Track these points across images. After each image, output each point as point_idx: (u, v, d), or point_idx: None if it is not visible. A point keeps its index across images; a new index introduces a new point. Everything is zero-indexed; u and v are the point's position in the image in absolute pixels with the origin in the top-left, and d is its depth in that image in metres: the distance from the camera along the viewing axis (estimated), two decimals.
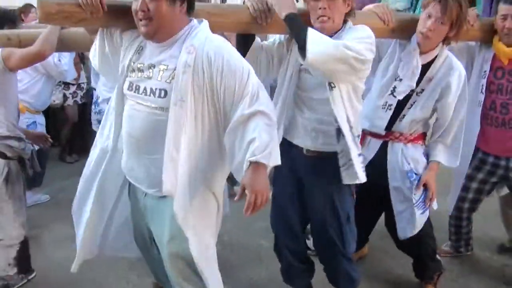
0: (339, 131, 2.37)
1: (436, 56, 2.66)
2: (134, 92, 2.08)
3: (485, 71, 3.00)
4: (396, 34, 2.73)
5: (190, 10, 2.07)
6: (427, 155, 2.84)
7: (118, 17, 2.19)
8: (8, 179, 2.91)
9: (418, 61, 2.62)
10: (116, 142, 2.22)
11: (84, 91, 5.51)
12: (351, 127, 2.37)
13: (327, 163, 2.46)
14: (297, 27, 2.28)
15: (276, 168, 2.40)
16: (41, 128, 4.33)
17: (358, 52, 2.22)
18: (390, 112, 2.75)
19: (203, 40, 2.00)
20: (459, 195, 3.26)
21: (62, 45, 2.83)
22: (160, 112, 1.99)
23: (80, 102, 5.53)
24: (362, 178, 2.45)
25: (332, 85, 2.32)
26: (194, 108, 1.98)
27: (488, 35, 3.00)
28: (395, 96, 2.72)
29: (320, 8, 2.32)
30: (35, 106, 4.36)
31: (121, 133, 2.19)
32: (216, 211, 2.22)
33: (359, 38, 2.28)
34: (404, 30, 2.71)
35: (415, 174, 2.76)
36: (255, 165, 1.88)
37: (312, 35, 2.19)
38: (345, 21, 2.42)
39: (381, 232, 3.36)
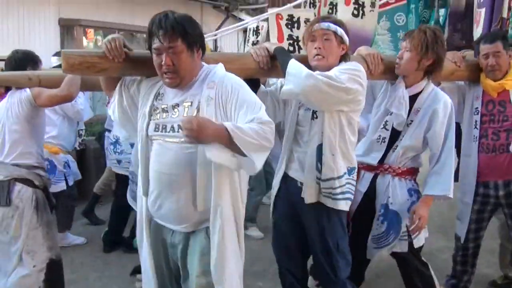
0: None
1: (422, 89, 2.90)
2: (162, 131, 2.24)
3: (476, 108, 3.24)
4: (386, 76, 2.99)
5: (203, 54, 2.31)
6: (414, 191, 2.99)
7: (135, 67, 2.43)
8: (37, 207, 3.10)
9: (404, 92, 2.87)
10: (146, 186, 2.36)
11: (82, 137, 5.64)
12: (334, 157, 2.61)
13: None
14: (283, 58, 2.58)
15: (276, 197, 2.73)
16: (73, 166, 4.75)
17: (331, 78, 2.44)
18: (384, 145, 2.95)
19: (222, 77, 2.23)
20: (463, 231, 3.36)
21: (84, 86, 3.07)
22: (190, 145, 2.11)
23: (78, 149, 5.64)
24: (344, 207, 2.67)
25: (315, 115, 2.60)
26: None
27: (475, 74, 3.27)
28: (387, 130, 2.94)
29: (315, 48, 2.61)
30: (66, 147, 4.69)
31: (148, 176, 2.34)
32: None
33: (343, 69, 2.53)
34: (393, 72, 2.96)
35: (385, 209, 2.93)
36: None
37: (292, 64, 2.47)
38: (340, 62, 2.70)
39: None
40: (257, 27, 4.61)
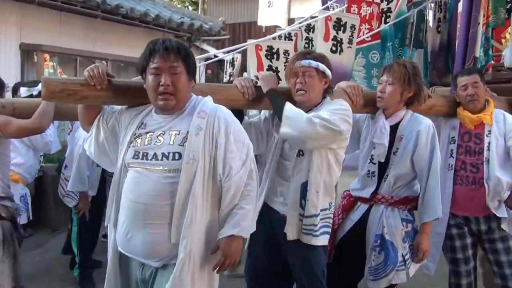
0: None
1: (402, 117, 3.01)
2: (142, 159, 2.19)
3: (453, 137, 3.36)
4: (367, 110, 3.09)
5: (194, 82, 2.34)
6: (407, 221, 3.02)
7: (117, 95, 2.41)
8: (4, 240, 2.94)
9: (384, 122, 2.98)
10: (116, 216, 2.30)
11: (41, 164, 5.42)
12: (318, 194, 2.69)
13: None
14: (276, 100, 2.66)
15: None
16: (29, 200, 4.63)
17: (329, 121, 2.53)
18: (375, 179, 3.03)
19: (214, 108, 2.25)
20: (452, 270, 3.39)
21: (60, 115, 2.93)
22: (173, 174, 2.12)
23: (36, 175, 5.35)
24: (324, 241, 2.76)
25: (301, 153, 2.68)
26: (204, 167, 2.14)
27: (453, 109, 3.41)
28: (374, 163, 3.02)
29: (298, 83, 2.70)
30: (27, 178, 4.55)
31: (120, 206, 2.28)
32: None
33: (334, 110, 2.61)
34: (373, 105, 3.07)
35: (380, 239, 2.97)
36: (235, 237, 2.17)
37: (288, 108, 2.56)
38: (324, 97, 2.78)
39: None
40: (233, 58, 4.64)
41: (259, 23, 11.04)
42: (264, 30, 13.65)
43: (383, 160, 2.98)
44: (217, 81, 10.81)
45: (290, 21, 13.51)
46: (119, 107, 2.48)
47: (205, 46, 11.13)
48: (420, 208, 2.97)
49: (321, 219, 2.70)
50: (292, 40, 4.33)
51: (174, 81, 2.15)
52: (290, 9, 12.78)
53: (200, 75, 11.33)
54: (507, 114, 3.34)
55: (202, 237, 2.18)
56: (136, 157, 2.21)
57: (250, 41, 3.69)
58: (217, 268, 2.18)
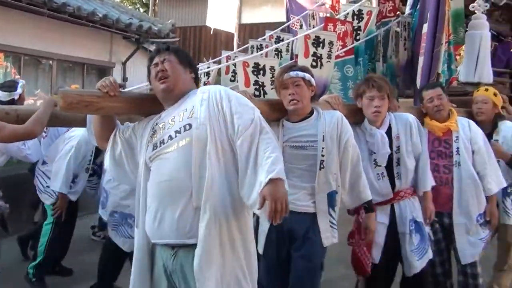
0: None
1: (389, 121, 3.49)
2: (160, 146, 2.45)
3: None
4: (348, 117, 3.44)
5: (197, 80, 2.70)
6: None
7: (131, 106, 2.68)
8: None
9: (382, 134, 3.42)
10: (142, 217, 2.52)
11: None
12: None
13: None
14: None
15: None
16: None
17: None
18: (386, 179, 3.46)
19: (213, 86, 2.63)
20: (428, 261, 3.73)
21: (57, 121, 3.12)
22: (187, 144, 2.36)
23: None
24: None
25: (322, 166, 3.01)
26: (213, 132, 2.35)
27: (420, 119, 3.84)
28: (380, 165, 3.46)
29: (290, 94, 3.06)
30: None
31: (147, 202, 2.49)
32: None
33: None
34: (354, 115, 3.51)
35: (414, 222, 3.48)
36: (275, 180, 2.19)
37: None
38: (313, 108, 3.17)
39: None
40: (208, 67, 4.91)
41: (208, 27, 11.23)
42: (212, 33, 14.11)
43: (385, 164, 3.44)
44: None
45: (241, 27, 13.98)
46: (132, 124, 2.74)
47: (154, 48, 11.26)
48: (419, 180, 3.53)
49: None
50: (263, 49, 4.74)
51: (168, 67, 2.54)
52: (241, 14, 13.14)
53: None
54: (471, 122, 3.89)
55: (225, 198, 2.34)
56: (155, 147, 2.48)
57: (225, 53, 4.08)
58: (275, 217, 2.16)
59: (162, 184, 2.39)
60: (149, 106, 2.67)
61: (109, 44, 10.47)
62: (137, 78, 10.82)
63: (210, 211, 2.27)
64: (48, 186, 4.50)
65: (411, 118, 3.53)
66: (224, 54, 4.47)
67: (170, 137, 2.43)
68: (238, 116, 2.38)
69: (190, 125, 2.40)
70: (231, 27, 11.88)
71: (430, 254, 3.54)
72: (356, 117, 3.52)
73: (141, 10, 15.76)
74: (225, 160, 2.37)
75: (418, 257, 3.48)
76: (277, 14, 12.27)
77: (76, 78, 9.83)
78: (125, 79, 10.76)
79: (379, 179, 3.47)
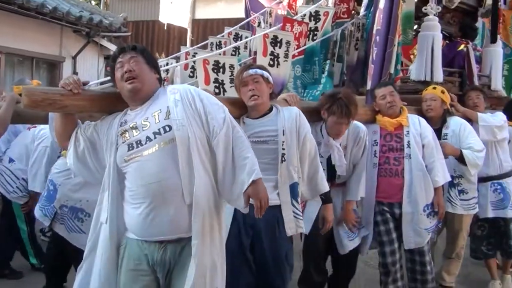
0: None
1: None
2: (137, 147, 2.47)
3: (375, 140, 4.05)
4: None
5: (160, 80, 2.72)
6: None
7: (94, 104, 2.71)
8: None
9: (338, 147, 3.69)
10: (112, 214, 2.58)
11: None
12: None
13: None
14: None
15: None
16: None
17: None
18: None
19: (182, 85, 2.70)
20: (379, 251, 4.08)
21: (19, 119, 3.15)
22: (170, 144, 2.43)
23: None
24: None
25: (283, 159, 3.14)
26: (193, 131, 2.45)
27: (372, 116, 4.12)
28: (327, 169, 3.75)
29: (250, 90, 3.20)
30: None
31: (123, 202, 2.55)
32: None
33: None
34: (310, 114, 3.62)
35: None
36: (256, 180, 2.45)
37: None
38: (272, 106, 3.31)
39: None
40: (167, 63, 4.97)
41: (161, 21, 11.22)
42: (166, 28, 14.07)
43: (344, 173, 3.80)
44: None
45: (195, 22, 14.01)
46: (94, 122, 2.76)
47: (105, 43, 11.18)
48: (349, 190, 3.86)
49: None
50: (222, 47, 4.87)
51: (135, 67, 2.54)
52: (195, 10, 13.16)
53: (100, 72, 11.38)
54: (421, 118, 4.15)
55: (209, 193, 2.50)
56: (131, 148, 2.49)
57: (184, 48, 4.16)
58: (260, 213, 2.46)
59: (152, 186, 2.43)
60: (112, 104, 2.71)
61: (59, 37, 10.33)
62: (88, 73, 10.73)
63: (200, 206, 2.43)
64: (17, 187, 4.47)
65: (363, 133, 3.80)
66: (183, 50, 4.55)
67: (149, 139, 2.46)
68: (211, 117, 2.51)
69: (169, 127, 2.45)
70: (184, 22, 11.89)
71: (358, 241, 3.95)
72: (312, 116, 3.67)
73: (93, 3, 15.50)
74: (206, 157, 2.50)
75: (349, 238, 3.88)
76: (231, 10, 12.41)
77: (25, 73, 9.67)
78: (75, 73, 10.63)
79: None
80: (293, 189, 3.18)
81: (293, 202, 3.19)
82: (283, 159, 3.14)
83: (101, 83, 2.79)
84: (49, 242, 4.35)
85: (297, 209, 3.20)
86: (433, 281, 4.12)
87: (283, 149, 3.15)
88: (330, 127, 3.65)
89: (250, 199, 2.47)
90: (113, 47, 11.55)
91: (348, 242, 3.92)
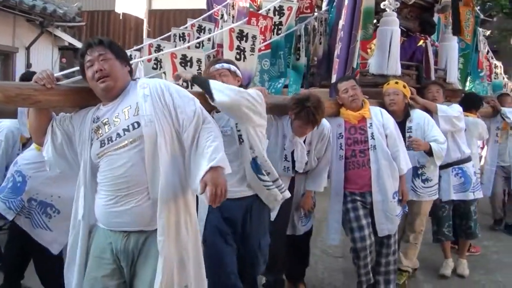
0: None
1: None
2: (108, 143, 2.51)
3: (340, 133, 4.22)
4: (272, 111, 3.78)
5: (131, 72, 2.74)
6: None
7: (68, 99, 2.71)
8: None
9: (302, 145, 3.90)
10: (88, 210, 2.64)
11: None
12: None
13: None
14: (201, 80, 3.24)
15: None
16: None
17: (251, 94, 3.19)
18: (290, 172, 4.05)
19: (152, 79, 2.71)
20: (350, 237, 4.23)
21: None
22: (138, 141, 2.47)
23: None
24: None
25: (241, 139, 3.26)
26: (161, 127, 2.48)
27: (336, 110, 4.28)
28: (288, 161, 4.00)
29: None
30: None
31: (96, 196, 2.60)
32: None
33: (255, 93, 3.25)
34: (278, 108, 3.82)
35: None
36: (215, 168, 2.41)
37: (214, 84, 3.12)
38: None
39: None
40: (130, 55, 4.95)
41: (117, 12, 11.11)
42: (122, 19, 13.92)
43: (302, 171, 4.07)
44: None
45: (151, 12, 13.93)
46: (69, 115, 2.77)
47: (59, 33, 11.00)
48: (310, 181, 4.19)
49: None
50: (186, 39, 4.92)
51: (105, 66, 2.53)
52: (151, 0, 13.06)
53: (54, 63, 11.19)
54: (383, 110, 4.34)
55: (177, 188, 2.52)
56: (103, 145, 2.54)
57: (147, 40, 4.19)
58: (214, 200, 2.36)
59: (119, 180, 2.49)
60: (86, 98, 2.72)
61: (12, 27, 10.11)
62: (42, 65, 10.53)
63: (165, 202, 2.46)
64: None
65: (327, 130, 4.03)
66: (147, 42, 4.59)
67: (119, 135, 2.51)
68: (180, 111, 2.54)
69: (138, 123, 2.49)
70: (141, 12, 11.80)
71: (309, 225, 4.39)
72: (280, 110, 3.83)
73: None
74: (174, 152, 2.53)
75: (302, 223, 4.27)
76: (188, 1, 12.36)
77: None
78: (29, 65, 10.44)
79: (285, 170, 3.99)
80: (254, 165, 3.30)
81: (259, 176, 3.32)
82: (241, 140, 3.28)
83: (67, 76, 2.77)
84: (7, 241, 4.15)
85: (267, 181, 3.35)
86: (395, 263, 4.38)
87: (238, 130, 3.28)
88: (295, 128, 3.82)
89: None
90: (67, 38, 11.39)
91: (301, 227, 4.28)
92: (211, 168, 2.40)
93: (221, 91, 3.06)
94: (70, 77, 3.14)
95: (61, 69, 10.81)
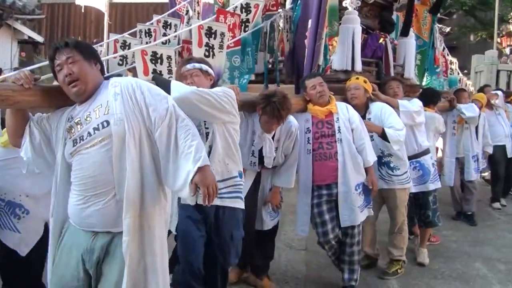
0: None
1: None
2: (80, 142, 2.54)
3: (308, 128, 4.41)
4: (243, 108, 3.91)
5: (102, 69, 2.76)
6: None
7: (46, 99, 2.74)
8: None
9: (270, 141, 4.12)
10: (58, 207, 2.69)
11: None
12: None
13: None
14: (162, 79, 3.38)
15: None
16: None
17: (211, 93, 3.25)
18: (256, 167, 4.22)
19: (124, 78, 2.75)
20: (316, 232, 4.45)
21: None
22: (107, 141, 2.49)
23: None
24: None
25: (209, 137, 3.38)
26: (131, 126, 2.50)
27: (303, 105, 4.46)
28: (255, 157, 4.19)
29: (188, 84, 3.39)
30: None
31: (69, 195, 2.63)
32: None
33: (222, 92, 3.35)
34: (248, 106, 3.98)
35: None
36: (203, 167, 2.45)
37: (174, 83, 3.21)
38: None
39: None
40: (101, 51, 4.97)
41: (78, 4, 11.00)
42: (83, 12, 13.74)
43: (270, 166, 4.26)
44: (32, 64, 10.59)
45: (112, 5, 13.76)
46: (45, 115, 2.81)
47: (19, 26, 10.81)
48: (278, 176, 4.36)
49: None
50: (151, 35, 4.99)
51: (74, 69, 2.53)
52: None
53: (13, 57, 11.00)
54: (348, 105, 4.56)
55: (144, 188, 2.54)
56: (75, 144, 2.57)
57: (113, 36, 4.24)
58: (208, 200, 2.45)
59: (87, 179, 2.53)
60: (63, 98, 2.72)
61: None
62: (1, 59, 10.35)
63: (131, 203, 2.48)
64: None
65: (295, 128, 4.20)
66: (112, 37, 4.62)
67: (89, 134, 2.53)
68: (152, 109, 2.55)
69: (107, 122, 2.51)
70: (101, 5, 11.67)
71: (277, 220, 4.54)
72: (250, 108, 3.99)
73: None
74: (144, 151, 2.55)
75: (271, 217, 4.44)
76: None
77: None
78: None
79: (251, 165, 4.17)
80: None
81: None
82: (209, 137, 3.40)
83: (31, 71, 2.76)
84: None
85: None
86: (359, 254, 4.60)
87: (206, 128, 3.43)
88: (263, 124, 3.98)
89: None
90: (27, 31, 11.21)
91: (269, 221, 4.44)
92: (199, 169, 2.44)
93: (176, 89, 3.14)
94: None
95: (21, 63, 10.66)
